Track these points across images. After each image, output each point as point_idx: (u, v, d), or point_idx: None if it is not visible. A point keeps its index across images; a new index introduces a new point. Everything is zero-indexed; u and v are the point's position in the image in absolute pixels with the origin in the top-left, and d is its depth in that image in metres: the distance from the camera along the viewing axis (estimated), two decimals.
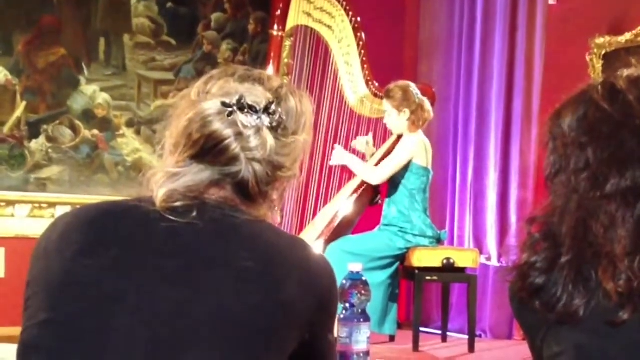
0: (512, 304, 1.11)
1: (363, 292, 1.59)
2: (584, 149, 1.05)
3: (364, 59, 4.26)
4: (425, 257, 4.08)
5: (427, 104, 4.19)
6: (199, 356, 1.01)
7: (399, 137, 4.25)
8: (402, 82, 4.21)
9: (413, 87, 4.19)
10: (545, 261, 1.05)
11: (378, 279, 3.98)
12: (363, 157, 4.32)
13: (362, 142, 4.33)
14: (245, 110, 1.12)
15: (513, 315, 1.14)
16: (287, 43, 4.18)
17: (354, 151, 4.30)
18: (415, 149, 4.13)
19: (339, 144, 4.23)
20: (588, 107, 1.08)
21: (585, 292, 1.01)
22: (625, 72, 1.09)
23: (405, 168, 4.13)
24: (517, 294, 1.08)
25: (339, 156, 4.15)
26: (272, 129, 1.13)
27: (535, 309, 1.05)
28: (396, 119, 4.17)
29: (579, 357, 1.02)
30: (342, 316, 1.56)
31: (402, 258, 4.12)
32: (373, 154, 4.32)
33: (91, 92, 4.61)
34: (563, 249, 1.04)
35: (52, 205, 4.45)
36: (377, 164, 4.20)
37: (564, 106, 1.11)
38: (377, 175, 4.12)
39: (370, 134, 4.35)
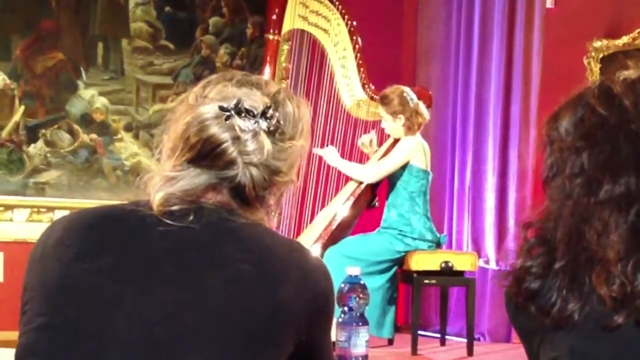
0: (507, 309, 1.11)
1: (361, 295, 1.59)
2: (580, 154, 1.05)
3: (360, 62, 4.26)
4: (424, 261, 4.08)
5: (422, 108, 4.18)
6: (197, 358, 1.01)
7: (396, 139, 4.26)
8: (396, 88, 4.19)
9: (407, 92, 4.17)
10: (540, 266, 1.06)
11: (377, 283, 3.98)
12: (367, 156, 4.33)
13: (366, 141, 4.33)
14: (243, 115, 1.12)
15: (509, 320, 1.14)
16: (284, 47, 4.19)
17: (360, 152, 4.30)
18: (413, 150, 4.13)
19: (336, 147, 4.23)
20: (584, 111, 1.07)
21: (580, 296, 1.02)
22: (622, 76, 1.09)
23: (404, 170, 4.13)
24: (513, 299, 1.08)
25: (331, 156, 4.15)
26: (270, 133, 1.14)
27: (531, 313, 1.05)
28: (392, 125, 4.18)
29: None
30: (340, 320, 1.56)
31: (400, 261, 4.12)
32: (376, 151, 4.33)
33: (89, 97, 4.61)
34: (557, 254, 1.04)
35: (50, 209, 4.45)
36: None
37: (561, 109, 1.11)
38: (372, 173, 4.12)
39: (373, 132, 4.34)
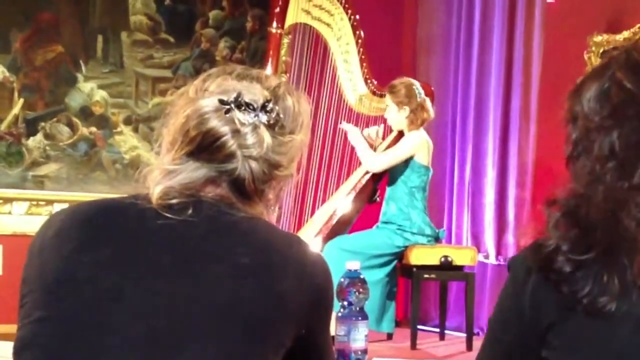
0: (527, 276, 1.03)
1: (361, 290, 1.58)
2: (609, 133, 0.99)
3: (363, 57, 4.26)
4: (423, 255, 4.08)
5: (428, 104, 4.20)
6: (196, 351, 1.01)
7: (400, 133, 4.26)
8: (406, 79, 4.23)
9: (417, 86, 4.19)
10: (574, 249, 0.99)
11: (376, 277, 3.98)
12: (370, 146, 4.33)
13: (372, 131, 4.32)
14: (243, 108, 1.12)
15: (516, 285, 1.06)
16: (286, 41, 4.17)
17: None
18: (417, 145, 4.13)
19: (337, 142, 4.23)
20: (611, 86, 1.01)
21: (619, 288, 0.96)
22: None
23: (407, 165, 4.13)
24: (542, 271, 1.02)
25: (353, 134, 4.15)
26: (269, 126, 1.13)
27: (562, 292, 0.99)
28: (395, 115, 4.18)
29: (602, 355, 0.98)
30: (340, 314, 1.56)
31: (400, 256, 4.12)
32: (380, 144, 4.33)
33: (89, 90, 4.60)
34: (593, 240, 0.98)
35: (49, 202, 4.45)
36: None
37: (584, 82, 1.05)
38: (376, 163, 4.12)
39: (382, 125, 4.35)
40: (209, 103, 1.12)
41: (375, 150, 4.27)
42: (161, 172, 1.12)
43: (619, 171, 0.98)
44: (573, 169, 1.04)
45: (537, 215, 1.06)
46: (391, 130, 4.34)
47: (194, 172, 1.12)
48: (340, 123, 4.24)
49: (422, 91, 4.18)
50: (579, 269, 0.99)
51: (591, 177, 1.00)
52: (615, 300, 0.96)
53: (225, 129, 1.10)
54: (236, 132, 1.11)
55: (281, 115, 1.15)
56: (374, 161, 4.12)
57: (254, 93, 1.14)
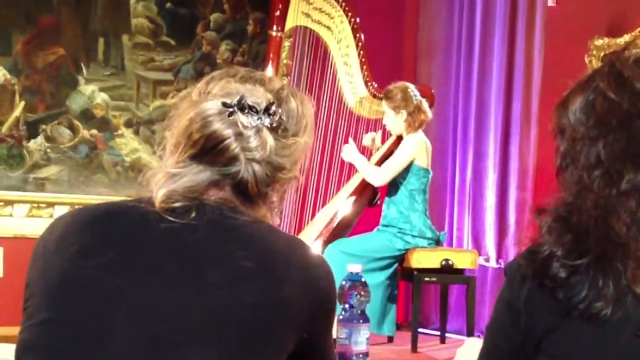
0: (523, 283, 1.04)
1: (362, 293, 1.58)
2: (594, 143, 1.01)
3: (363, 59, 4.27)
4: (424, 258, 4.08)
5: (425, 106, 4.20)
6: (198, 355, 1.01)
7: (399, 137, 4.26)
8: (400, 84, 4.22)
9: (412, 89, 4.19)
10: (568, 255, 1.00)
11: (377, 280, 3.98)
12: (370, 153, 4.33)
13: (369, 138, 4.33)
14: (246, 111, 1.12)
15: (512, 291, 1.06)
16: (286, 44, 4.19)
17: (363, 149, 4.30)
18: (417, 150, 4.13)
19: (338, 144, 4.23)
20: (595, 97, 1.03)
21: (614, 293, 0.96)
22: (632, 57, 1.05)
23: (406, 168, 4.13)
24: (537, 278, 1.02)
25: (350, 153, 4.15)
26: (273, 129, 1.13)
27: (557, 298, 1.00)
28: (394, 120, 4.18)
29: None
30: (341, 317, 1.56)
31: (401, 259, 4.12)
32: (378, 149, 4.33)
33: (90, 92, 4.60)
34: (585, 247, 0.99)
35: (50, 205, 4.45)
36: (376, 163, 4.20)
37: (569, 95, 1.07)
38: (380, 178, 4.13)
39: (380, 132, 4.36)
40: (212, 106, 1.12)
41: (372, 155, 4.28)
42: (164, 176, 1.12)
43: (606, 179, 1.00)
44: (562, 179, 1.05)
45: (534, 222, 1.06)
46: (389, 135, 4.34)
47: (197, 175, 1.11)
48: (341, 125, 4.24)
49: (417, 93, 4.19)
50: (574, 275, 0.99)
51: (579, 186, 1.01)
52: (610, 305, 0.97)
53: (228, 132, 1.10)
54: (239, 135, 1.11)
55: (284, 118, 1.15)
56: (377, 176, 4.12)
57: (257, 96, 1.14)
